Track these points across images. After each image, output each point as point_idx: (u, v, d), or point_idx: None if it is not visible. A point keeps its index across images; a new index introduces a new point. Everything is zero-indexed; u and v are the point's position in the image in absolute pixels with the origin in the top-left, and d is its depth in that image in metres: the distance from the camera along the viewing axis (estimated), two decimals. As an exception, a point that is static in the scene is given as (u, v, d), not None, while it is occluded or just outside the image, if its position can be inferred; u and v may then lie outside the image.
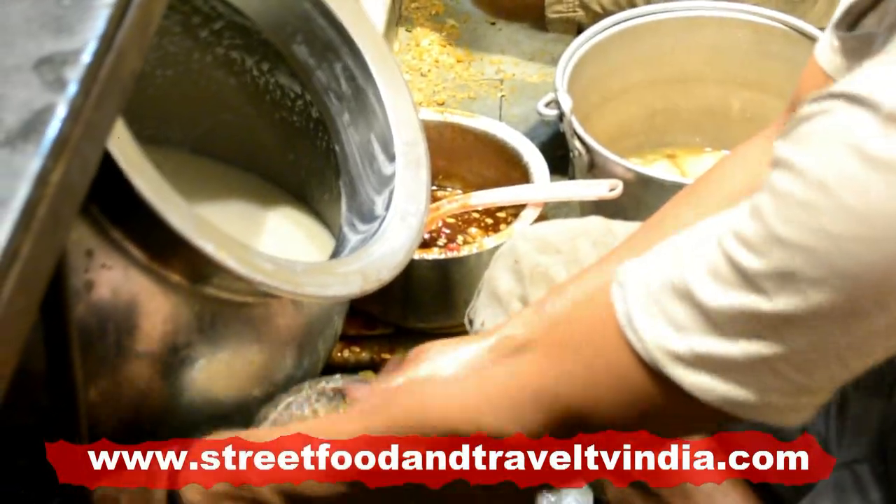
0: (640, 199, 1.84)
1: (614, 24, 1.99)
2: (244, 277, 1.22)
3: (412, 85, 2.41)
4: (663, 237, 0.96)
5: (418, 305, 1.86)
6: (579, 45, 2.02)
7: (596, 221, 1.46)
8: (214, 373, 1.36)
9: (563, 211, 2.02)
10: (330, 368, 1.91)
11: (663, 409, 0.92)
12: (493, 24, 2.52)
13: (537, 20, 2.23)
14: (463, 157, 1.98)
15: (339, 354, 1.92)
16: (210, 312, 1.34)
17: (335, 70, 1.53)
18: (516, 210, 1.85)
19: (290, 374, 1.45)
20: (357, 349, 1.93)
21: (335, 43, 1.51)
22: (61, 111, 0.84)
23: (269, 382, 1.42)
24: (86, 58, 0.88)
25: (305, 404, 1.38)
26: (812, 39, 1.94)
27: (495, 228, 1.93)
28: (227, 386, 1.38)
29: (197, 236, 1.19)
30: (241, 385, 1.39)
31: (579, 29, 2.16)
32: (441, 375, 1.15)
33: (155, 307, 1.29)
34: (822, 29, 1.94)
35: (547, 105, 1.97)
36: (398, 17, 2.54)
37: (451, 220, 1.94)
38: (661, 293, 0.90)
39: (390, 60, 1.52)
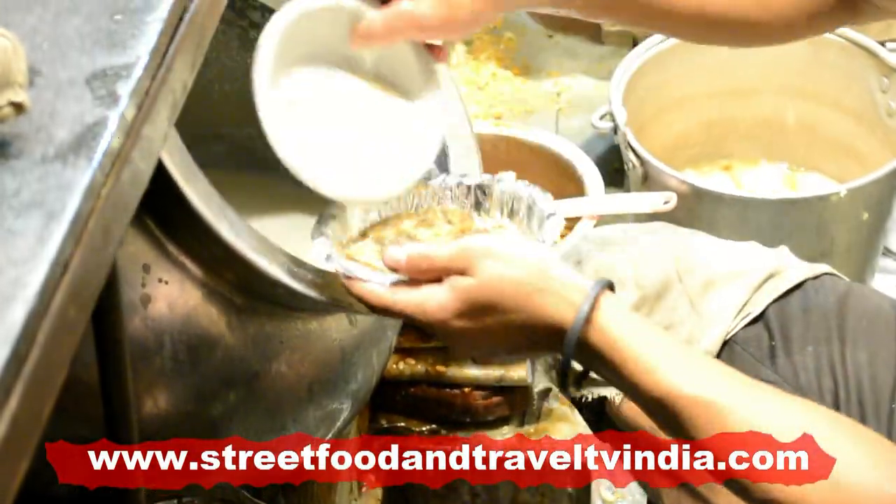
0: (694, 212, 1.83)
1: (666, 38, 1.99)
2: (298, 292, 1.23)
3: (469, 98, 2.42)
4: None
5: (473, 318, 1.87)
6: (635, 58, 2.02)
7: (659, 224, 1.46)
8: (269, 386, 1.37)
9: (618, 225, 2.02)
10: (384, 382, 1.92)
11: None
12: (551, 36, 2.53)
13: (594, 33, 2.24)
14: (518, 170, 1.97)
15: (394, 366, 1.93)
16: (265, 326, 1.34)
17: (391, 85, 1.53)
18: (570, 223, 1.86)
19: (344, 388, 1.46)
20: (412, 361, 1.94)
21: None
22: (113, 125, 0.86)
23: (323, 396, 1.43)
24: (137, 72, 0.90)
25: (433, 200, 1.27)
26: (868, 51, 1.93)
27: (550, 241, 1.93)
28: (281, 399, 1.39)
29: (251, 250, 1.20)
30: (296, 398, 1.40)
31: (635, 42, 2.16)
32: None
33: (210, 321, 1.30)
34: (881, 43, 1.94)
35: (601, 118, 1.97)
36: (455, 32, 2.54)
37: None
38: None
39: (444, 76, 1.52)
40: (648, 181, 1.88)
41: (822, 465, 0.98)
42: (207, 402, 1.34)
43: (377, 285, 1.11)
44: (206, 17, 1.01)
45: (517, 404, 1.97)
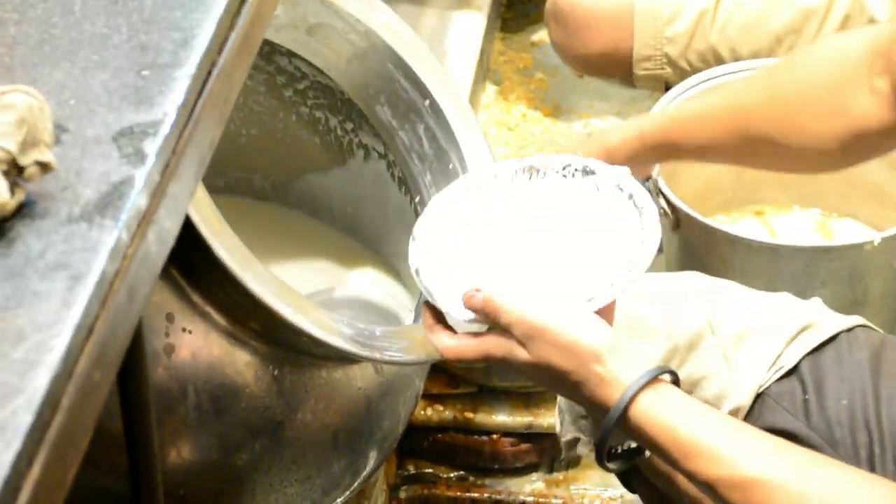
0: (726, 259, 1.82)
1: (701, 82, 1.98)
2: (322, 342, 1.22)
3: (499, 139, 2.41)
4: None
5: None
6: (667, 103, 2.01)
7: (690, 273, 1.46)
8: (294, 435, 1.36)
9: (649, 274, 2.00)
10: (412, 428, 1.91)
11: None
12: (581, 77, 2.52)
13: (625, 76, 2.22)
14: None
15: (421, 413, 1.92)
16: (289, 375, 1.34)
17: (418, 131, 1.53)
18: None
19: (370, 437, 1.45)
20: (440, 407, 1.93)
21: (418, 104, 1.52)
22: (139, 184, 0.85)
23: (348, 445, 1.42)
24: (165, 130, 0.89)
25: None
26: (903, 97, 1.91)
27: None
28: (306, 449, 1.38)
29: (276, 300, 1.19)
30: (321, 448, 1.39)
31: (667, 86, 2.15)
32: None
33: (235, 371, 1.30)
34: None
35: (633, 164, 1.96)
36: (486, 71, 2.54)
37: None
38: None
39: (473, 122, 1.52)
40: (680, 227, 1.86)
41: None
42: (232, 451, 1.33)
43: (446, 337, 1.15)
44: (234, 70, 1.00)
45: (546, 451, 1.96)
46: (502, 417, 1.92)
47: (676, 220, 1.87)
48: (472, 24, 2.39)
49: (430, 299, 1.16)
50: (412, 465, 1.99)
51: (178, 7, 1.00)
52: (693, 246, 1.88)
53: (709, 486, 1.07)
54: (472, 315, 1.14)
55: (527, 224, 1.20)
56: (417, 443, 1.97)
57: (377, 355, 1.26)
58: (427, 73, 1.50)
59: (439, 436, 1.96)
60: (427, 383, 1.79)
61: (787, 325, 1.38)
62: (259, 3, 1.05)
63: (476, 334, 1.15)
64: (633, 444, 1.19)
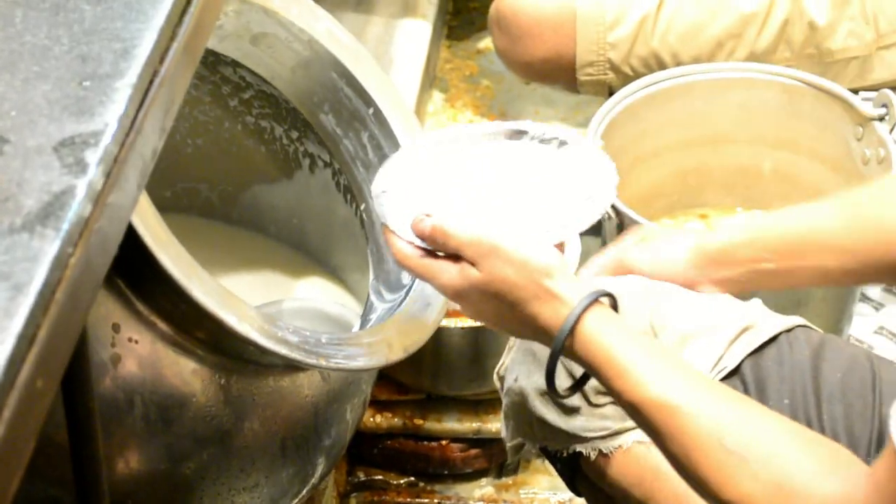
0: (670, 263, 1.83)
1: (645, 87, 1.99)
2: (268, 350, 1.22)
3: (445, 146, 2.42)
4: None
5: (449, 373, 1.86)
6: (610, 108, 2.02)
7: (632, 277, 1.46)
8: (242, 444, 1.36)
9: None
10: (361, 435, 1.91)
11: None
12: (527, 83, 2.53)
13: (569, 82, 2.24)
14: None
15: (371, 420, 1.92)
16: (236, 384, 1.34)
17: (362, 139, 1.54)
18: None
19: (317, 444, 1.45)
20: (389, 414, 1.94)
21: (362, 112, 1.52)
22: (81, 194, 0.85)
23: (296, 453, 1.42)
24: (106, 140, 0.89)
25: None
26: (842, 100, 1.94)
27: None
28: (254, 457, 1.38)
29: (221, 309, 1.20)
30: (269, 456, 1.39)
31: (610, 91, 2.16)
32: None
33: (182, 380, 1.30)
34: (854, 91, 1.95)
35: (577, 170, 1.97)
36: (433, 79, 2.55)
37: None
38: None
39: (416, 130, 1.53)
40: (624, 232, 1.88)
41: (772, 466, 1.04)
42: (180, 461, 1.33)
43: (405, 244, 1.18)
44: (177, 80, 1.01)
45: (495, 457, 1.97)
46: (451, 424, 1.93)
47: (621, 225, 1.88)
48: (417, 32, 2.40)
49: (384, 221, 1.21)
50: (362, 472, 2.00)
51: (119, 18, 1.00)
52: (637, 250, 1.89)
53: (633, 407, 1.10)
54: (418, 242, 1.18)
55: (486, 176, 1.26)
56: (367, 450, 1.97)
57: (323, 363, 1.27)
58: (370, 81, 1.51)
59: (389, 442, 1.96)
60: (375, 390, 1.80)
61: (729, 326, 1.40)
62: (201, 12, 1.06)
63: (430, 252, 1.18)
64: (579, 374, 1.23)
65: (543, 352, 1.39)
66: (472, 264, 1.15)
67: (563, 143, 1.28)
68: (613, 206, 1.89)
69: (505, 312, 1.16)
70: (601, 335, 1.12)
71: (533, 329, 1.16)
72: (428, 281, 1.19)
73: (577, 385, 1.23)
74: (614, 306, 1.17)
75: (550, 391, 1.20)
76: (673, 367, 1.11)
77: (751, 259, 1.32)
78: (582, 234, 1.89)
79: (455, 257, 1.16)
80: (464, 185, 1.25)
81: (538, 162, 1.27)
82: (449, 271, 1.16)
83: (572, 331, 1.12)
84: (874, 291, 2.23)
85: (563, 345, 1.12)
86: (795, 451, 1.06)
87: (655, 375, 1.09)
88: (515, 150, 1.29)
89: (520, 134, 1.30)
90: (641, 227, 1.33)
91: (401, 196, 1.23)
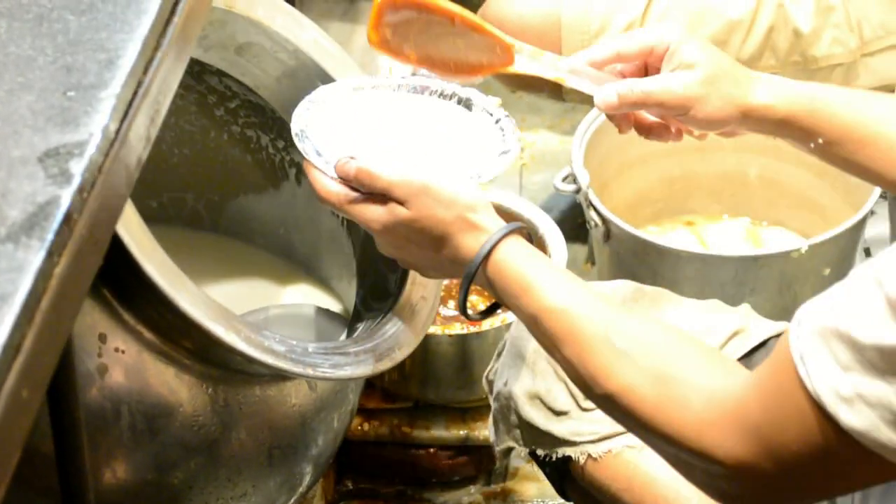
0: (656, 269, 1.84)
1: (629, 94, 1.99)
2: (255, 359, 1.22)
3: (432, 155, 2.42)
4: None
5: (437, 380, 1.87)
6: (597, 115, 2.03)
7: (622, 282, 1.47)
8: (229, 453, 1.36)
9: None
10: (349, 443, 1.91)
11: (833, 453, 0.95)
12: (514, 92, 2.53)
13: (555, 90, 2.24)
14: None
15: (358, 428, 1.92)
16: (223, 393, 1.34)
17: (348, 148, 1.54)
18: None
19: (305, 453, 1.45)
20: (377, 423, 1.94)
21: (347, 122, 1.52)
22: (65, 204, 0.85)
23: (284, 461, 1.42)
24: (90, 150, 0.89)
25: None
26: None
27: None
28: (241, 466, 1.38)
29: (207, 319, 1.20)
30: (256, 465, 1.39)
31: (596, 99, 2.16)
32: None
33: (168, 389, 1.30)
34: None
35: (564, 179, 1.97)
36: (418, 87, 2.55)
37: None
38: (828, 333, 0.93)
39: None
40: (611, 239, 1.89)
41: (656, 359, 1.08)
42: (167, 470, 1.33)
43: (330, 181, 1.23)
44: (161, 90, 1.01)
45: (483, 464, 1.97)
46: (439, 431, 1.93)
47: (607, 232, 1.89)
48: (403, 41, 2.40)
49: (307, 157, 1.24)
50: (350, 481, 2.00)
51: (104, 28, 1.01)
52: (623, 257, 1.90)
53: (534, 319, 1.15)
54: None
55: (405, 124, 1.32)
56: (355, 458, 1.97)
57: (310, 372, 1.27)
58: (355, 90, 1.51)
59: (376, 451, 1.96)
60: (363, 399, 1.79)
61: (718, 330, 1.40)
62: (184, 23, 1.06)
63: (358, 192, 1.22)
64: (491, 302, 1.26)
65: (533, 356, 1.39)
66: (401, 203, 1.20)
67: (468, 101, 1.34)
68: (599, 213, 1.90)
69: (427, 248, 1.21)
70: (513, 259, 1.17)
71: (451, 261, 1.21)
72: (352, 216, 1.23)
73: (489, 311, 1.27)
74: (529, 239, 1.21)
75: (462, 313, 1.24)
76: (573, 281, 1.16)
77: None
78: (568, 241, 1.90)
79: (381, 197, 1.21)
80: (382, 131, 1.31)
81: (450, 116, 1.34)
82: (375, 209, 1.21)
83: (487, 256, 1.18)
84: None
85: (477, 268, 1.18)
86: (683, 349, 1.09)
87: (555, 288, 1.15)
88: (430, 104, 1.35)
89: (430, 90, 1.35)
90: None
91: (321, 137, 1.26)
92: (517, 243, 1.19)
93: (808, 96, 1.33)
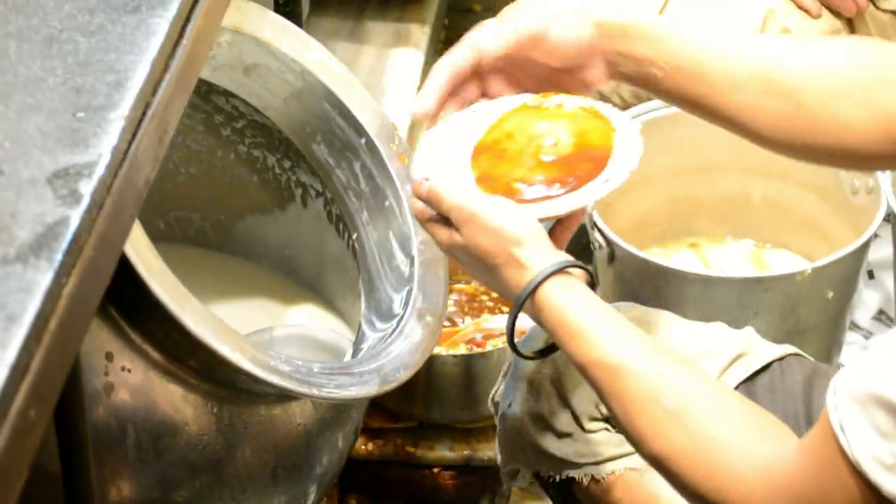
0: (660, 291, 1.84)
1: (635, 117, 2.00)
2: (261, 379, 1.23)
3: (437, 175, 2.42)
4: None
5: (442, 401, 1.87)
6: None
7: (626, 304, 1.47)
8: (233, 472, 1.37)
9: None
10: (353, 463, 1.91)
11: None
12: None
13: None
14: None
15: (362, 447, 1.92)
16: (229, 412, 1.34)
17: (354, 169, 1.54)
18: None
19: (309, 472, 1.45)
20: (381, 442, 1.94)
21: (354, 142, 1.53)
22: (74, 225, 0.86)
23: (288, 481, 1.42)
24: (100, 171, 0.90)
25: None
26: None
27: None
28: (246, 485, 1.38)
29: (214, 339, 1.20)
30: (261, 484, 1.40)
31: (602, 119, 2.16)
32: None
33: (174, 409, 1.30)
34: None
35: (568, 198, 1.97)
36: (424, 108, 2.55)
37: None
38: (866, 400, 0.94)
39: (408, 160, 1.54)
40: (615, 260, 1.89)
41: (706, 425, 1.08)
42: (172, 489, 1.34)
43: (417, 200, 1.24)
44: (169, 112, 1.01)
45: (487, 484, 1.97)
46: (443, 451, 1.93)
47: (611, 254, 1.89)
48: (410, 61, 2.41)
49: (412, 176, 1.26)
50: (354, 500, 2.00)
51: (113, 50, 1.01)
52: (628, 278, 1.90)
53: (583, 368, 1.15)
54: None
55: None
56: (359, 477, 1.97)
57: (315, 392, 1.27)
58: (362, 111, 1.52)
59: (381, 470, 1.96)
60: (367, 418, 1.80)
61: (722, 353, 1.40)
62: (193, 45, 1.07)
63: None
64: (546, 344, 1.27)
65: (539, 376, 1.40)
66: (457, 230, 1.21)
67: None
68: (604, 235, 1.90)
69: (483, 273, 1.22)
70: (558, 301, 1.16)
71: (501, 290, 1.21)
72: (429, 235, 1.26)
73: (544, 352, 1.27)
74: (591, 283, 1.19)
75: (511, 348, 1.24)
76: (621, 330, 1.15)
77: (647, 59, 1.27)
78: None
79: (447, 219, 1.22)
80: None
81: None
82: (442, 230, 1.22)
83: (532, 297, 1.16)
84: (864, 320, 2.24)
85: (519, 309, 1.18)
86: (732, 414, 1.09)
87: (602, 339, 1.13)
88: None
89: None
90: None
91: (427, 156, 1.27)
92: (563, 285, 1.17)
93: (654, 20, 1.27)
